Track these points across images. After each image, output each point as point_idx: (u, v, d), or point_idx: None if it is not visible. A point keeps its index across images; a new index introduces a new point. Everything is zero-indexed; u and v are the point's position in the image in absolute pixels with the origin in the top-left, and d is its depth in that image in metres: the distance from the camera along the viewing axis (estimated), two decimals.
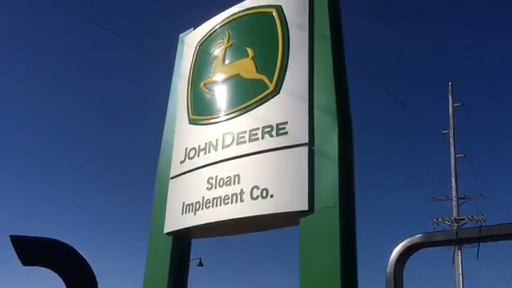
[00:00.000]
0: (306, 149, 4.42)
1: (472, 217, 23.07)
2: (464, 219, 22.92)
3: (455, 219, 23.50)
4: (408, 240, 2.46)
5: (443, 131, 24.62)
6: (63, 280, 1.05)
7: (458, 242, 2.26)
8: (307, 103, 4.56)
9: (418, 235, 2.42)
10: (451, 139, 24.10)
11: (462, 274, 21.85)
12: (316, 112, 4.51)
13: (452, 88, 24.83)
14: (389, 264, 2.50)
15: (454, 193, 22.93)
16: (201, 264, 34.52)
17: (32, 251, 1.01)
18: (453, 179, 23.47)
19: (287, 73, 4.83)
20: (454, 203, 22.90)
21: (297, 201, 4.31)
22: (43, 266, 1.02)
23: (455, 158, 23.72)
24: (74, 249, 1.07)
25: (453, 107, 24.42)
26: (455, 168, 23.52)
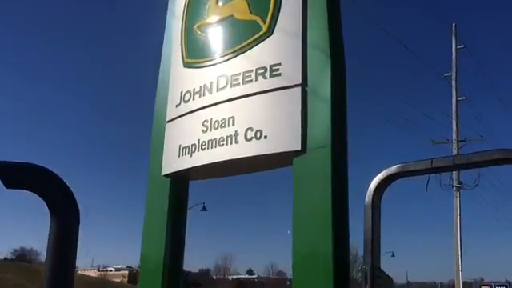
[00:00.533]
0: (299, 90, 4.43)
1: None
2: None
3: None
4: (386, 170, 2.54)
5: (445, 74, 24.42)
6: (46, 203, 1.10)
7: (433, 170, 2.33)
8: (300, 43, 4.53)
9: (395, 165, 2.50)
10: (453, 82, 23.93)
11: (460, 214, 22.34)
12: (309, 51, 4.48)
13: (456, 30, 24.37)
14: (367, 194, 2.59)
15: (454, 135, 23.02)
16: (204, 209, 35.41)
17: (14, 175, 1.06)
18: (453, 122, 23.51)
19: (280, 12, 4.77)
20: (454, 146, 23.03)
21: (290, 141, 4.37)
22: (26, 189, 1.08)
23: (457, 100, 23.65)
24: (55, 174, 1.13)
25: (456, 49, 24.07)
26: (456, 111, 23.50)
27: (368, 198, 2.57)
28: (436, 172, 2.37)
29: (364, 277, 2.44)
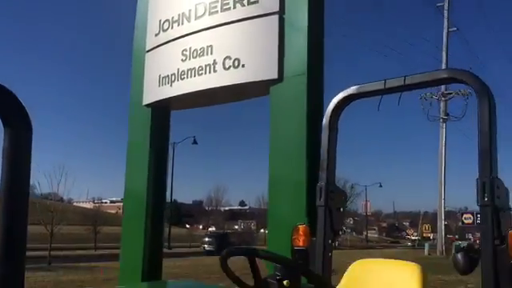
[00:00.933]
0: (276, 18, 4.40)
1: (459, 91, 23.36)
2: (451, 93, 23.26)
3: (443, 94, 23.86)
4: (343, 92, 2.63)
5: (438, 4, 23.96)
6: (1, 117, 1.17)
7: (387, 90, 2.42)
8: None
9: (352, 87, 2.59)
10: (445, 12, 23.52)
11: (445, 145, 22.78)
12: None
13: None
14: (325, 115, 2.70)
15: (443, 66, 22.94)
16: (195, 142, 35.76)
17: None
18: (443, 53, 23.38)
19: None
20: None
21: (267, 70, 4.40)
22: None
23: (448, 31, 23.37)
24: (6, 87, 1.18)
25: None
26: (447, 42, 23.29)
27: (326, 119, 2.67)
28: (389, 92, 2.46)
29: (319, 191, 2.59)
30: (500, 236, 1.97)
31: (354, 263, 2.33)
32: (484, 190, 2.02)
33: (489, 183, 2.02)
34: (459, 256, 2.09)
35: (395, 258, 2.43)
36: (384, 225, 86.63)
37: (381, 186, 52.57)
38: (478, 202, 2.04)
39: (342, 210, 2.68)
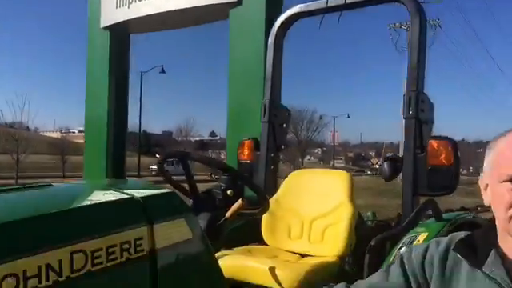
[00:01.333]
0: None
1: (429, 21, 23.32)
2: None
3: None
4: (287, 11, 2.72)
5: None
6: None
7: (329, 9, 2.52)
8: None
9: (295, 6, 2.68)
10: None
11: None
12: None
13: None
14: (271, 34, 2.79)
15: None
16: (163, 71, 35.09)
17: None
18: None
19: None
20: None
21: None
22: None
23: None
24: None
25: None
26: None
27: (271, 37, 2.75)
28: (332, 11, 2.55)
29: (263, 109, 2.71)
30: (421, 146, 2.16)
31: (291, 174, 2.50)
32: (410, 104, 2.17)
33: (414, 97, 2.17)
34: (385, 165, 2.28)
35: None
36: (351, 155, 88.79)
37: (348, 116, 53.39)
38: (403, 115, 2.20)
39: (285, 126, 2.81)
